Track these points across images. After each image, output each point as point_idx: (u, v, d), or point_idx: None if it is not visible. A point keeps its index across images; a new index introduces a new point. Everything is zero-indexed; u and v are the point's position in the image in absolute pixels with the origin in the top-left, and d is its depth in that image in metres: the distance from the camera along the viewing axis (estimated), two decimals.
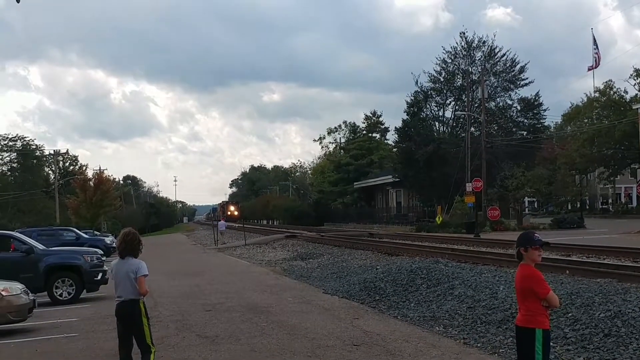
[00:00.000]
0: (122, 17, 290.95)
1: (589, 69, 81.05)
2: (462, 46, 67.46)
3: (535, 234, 6.27)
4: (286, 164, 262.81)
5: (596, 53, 79.67)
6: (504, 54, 66.27)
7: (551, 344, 9.07)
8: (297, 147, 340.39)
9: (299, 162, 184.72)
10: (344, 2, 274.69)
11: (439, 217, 54.26)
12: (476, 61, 67.48)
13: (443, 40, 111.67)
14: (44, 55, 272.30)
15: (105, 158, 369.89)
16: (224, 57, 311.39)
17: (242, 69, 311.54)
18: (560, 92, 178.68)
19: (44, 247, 20.15)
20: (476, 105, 62.10)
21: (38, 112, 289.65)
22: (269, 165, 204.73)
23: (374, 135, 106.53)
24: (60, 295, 18.67)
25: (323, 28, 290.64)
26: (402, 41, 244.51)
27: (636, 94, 70.83)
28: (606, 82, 74.81)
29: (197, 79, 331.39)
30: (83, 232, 44.73)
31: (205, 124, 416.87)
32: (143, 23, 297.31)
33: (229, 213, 58.21)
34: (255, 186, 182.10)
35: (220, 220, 59.74)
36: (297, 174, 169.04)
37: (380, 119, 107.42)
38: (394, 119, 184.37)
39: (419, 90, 69.68)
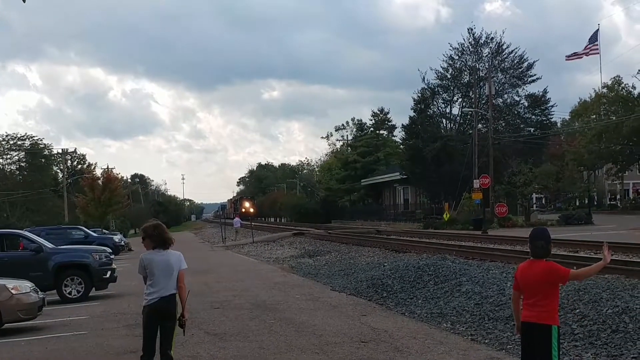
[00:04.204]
0: (121, 14, 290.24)
1: (568, 58, 78.63)
2: (469, 42, 67.37)
3: None
4: (291, 161, 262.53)
5: (590, 47, 77.29)
6: (512, 51, 66.18)
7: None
8: (300, 145, 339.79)
9: (305, 160, 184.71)
10: None
11: (446, 214, 54.21)
12: (483, 58, 67.36)
13: (444, 35, 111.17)
14: (43, 54, 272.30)
15: (110, 156, 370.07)
16: (224, 54, 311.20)
17: (243, 67, 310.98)
18: (566, 87, 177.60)
19: (53, 246, 20.27)
20: (483, 102, 62.05)
21: (39, 111, 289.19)
22: (276, 163, 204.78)
23: (381, 132, 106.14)
24: (70, 293, 18.79)
25: (323, 24, 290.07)
26: (403, 37, 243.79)
27: None
28: (614, 77, 74.44)
29: (198, 76, 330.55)
30: (91, 231, 44.86)
31: (207, 121, 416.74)
32: (142, 20, 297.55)
33: (243, 210, 55.75)
34: (262, 184, 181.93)
35: (235, 218, 58.45)
36: (305, 171, 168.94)
37: (388, 115, 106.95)
38: (400, 116, 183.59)
39: (426, 87, 69.61)
